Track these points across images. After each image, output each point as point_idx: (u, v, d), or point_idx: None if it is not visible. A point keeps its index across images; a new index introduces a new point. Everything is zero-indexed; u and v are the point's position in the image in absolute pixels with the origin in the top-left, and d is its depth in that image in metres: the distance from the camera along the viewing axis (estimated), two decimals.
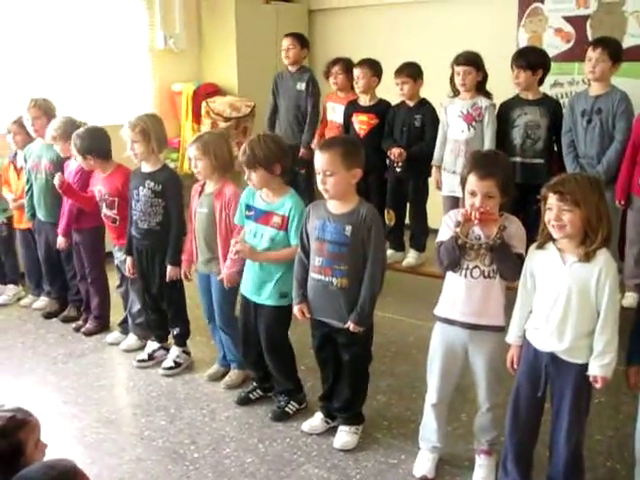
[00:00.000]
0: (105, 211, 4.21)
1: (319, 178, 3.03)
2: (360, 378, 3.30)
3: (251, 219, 3.43)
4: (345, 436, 3.30)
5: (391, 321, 4.65)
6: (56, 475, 1.89)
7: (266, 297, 3.41)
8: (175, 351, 4.12)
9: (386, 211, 4.99)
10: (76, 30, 5.85)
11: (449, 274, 2.89)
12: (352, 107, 5.11)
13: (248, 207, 3.45)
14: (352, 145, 3.15)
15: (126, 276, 4.26)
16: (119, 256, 4.32)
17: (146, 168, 3.95)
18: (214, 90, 6.48)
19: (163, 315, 4.17)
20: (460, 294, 2.85)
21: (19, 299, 5.25)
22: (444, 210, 4.59)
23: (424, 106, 4.84)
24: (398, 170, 4.80)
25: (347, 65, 5.33)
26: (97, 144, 4.16)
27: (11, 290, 5.27)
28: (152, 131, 3.86)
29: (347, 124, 5.12)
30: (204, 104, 6.21)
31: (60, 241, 4.48)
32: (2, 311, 5.11)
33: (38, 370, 4.14)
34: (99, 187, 4.22)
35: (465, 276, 2.82)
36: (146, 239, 3.98)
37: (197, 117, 6.25)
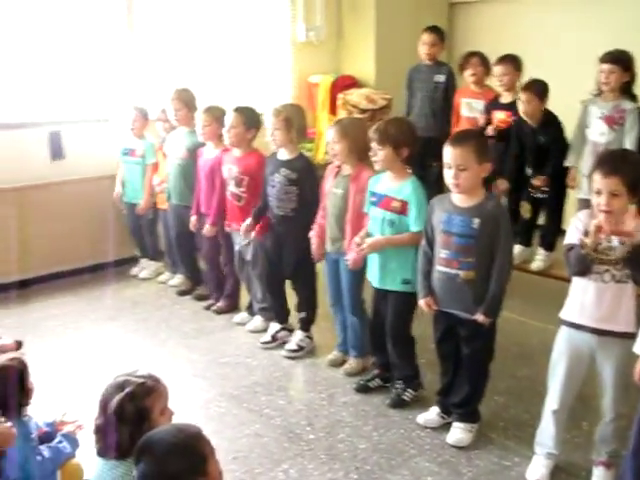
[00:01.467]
0: (232, 189, 4.36)
1: (450, 172, 3.04)
2: (479, 375, 3.29)
3: (374, 204, 3.49)
4: (459, 433, 3.30)
5: (515, 322, 4.56)
6: (183, 438, 2.03)
7: (390, 283, 3.47)
8: (299, 335, 4.25)
9: (522, 204, 4.91)
10: (223, 22, 6.13)
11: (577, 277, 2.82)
12: (492, 105, 5.05)
13: (372, 193, 3.52)
14: (483, 139, 3.16)
15: (247, 261, 4.42)
16: (239, 241, 4.50)
17: (283, 155, 4.08)
18: (351, 82, 6.57)
19: (284, 299, 4.32)
20: (589, 298, 2.77)
21: (159, 274, 5.57)
22: None
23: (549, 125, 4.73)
24: (543, 196, 4.73)
25: (483, 59, 5.27)
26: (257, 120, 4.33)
27: (152, 266, 5.61)
28: (294, 120, 3.99)
29: (487, 121, 5.06)
30: (340, 96, 6.32)
31: (210, 230, 4.64)
32: (142, 285, 5.47)
33: (170, 342, 4.41)
34: (229, 165, 4.38)
35: (595, 280, 2.74)
36: (280, 225, 4.12)
37: (333, 108, 6.37)
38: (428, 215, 3.22)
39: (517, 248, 5.29)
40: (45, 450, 2.86)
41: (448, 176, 3.06)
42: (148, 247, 5.64)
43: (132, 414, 2.36)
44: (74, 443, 3.00)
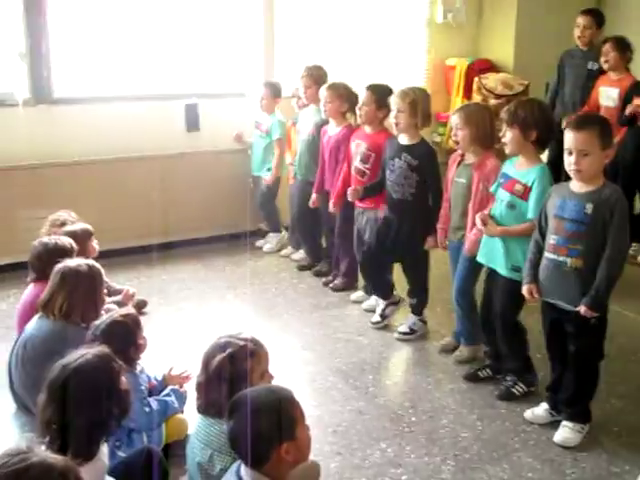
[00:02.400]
0: (357, 164, 4.34)
1: (571, 158, 2.90)
2: (587, 373, 3.14)
3: (501, 185, 3.39)
4: (568, 432, 3.16)
5: (636, 323, 4.28)
6: (275, 399, 2.08)
7: (500, 267, 3.37)
8: (412, 319, 4.22)
9: (638, 195, 4.61)
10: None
11: None
12: (633, 90, 4.76)
13: (502, 174, 3.41)
14: (607, 123, 2.99)
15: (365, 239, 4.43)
16: (359, 219, 4.48)
17: (404, 140, 4.03)
18: (488, 66, 6.39)
19: (386, 277, 4.33)
20: None
21: (281, 248, 5.69)
22: None
23: None
24: None
25: (618, 43, 4.96)
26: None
27: (274, 238, 5.74)
28: (420, 105, 3.93)
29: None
30: (476, 80, 6.16)
31: (332, 206, 4.67)
32: (265, 258, 5.61)
33: (284, 315, 4.50)
34: (358, 141, 4.37)
35: None
36: (396, 209, 4.09)
37: (468, 92, 6.23)
38: (544, 202, 3.08)
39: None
40: (153, 402, 3.01)
41: (568, 162, 2.92)
42: (273, 221, 5.75)
43: (231, 375, 2.44)
44: (181, 398, 3.14)
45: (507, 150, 3.36)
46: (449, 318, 4.20)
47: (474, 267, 3.69)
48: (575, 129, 2.91)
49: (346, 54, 5.97)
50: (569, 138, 2.92)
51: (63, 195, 4.91)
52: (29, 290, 3.73)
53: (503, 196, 3.35)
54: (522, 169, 3.31)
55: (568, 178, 3.04)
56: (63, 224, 4.10)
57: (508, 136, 3.29)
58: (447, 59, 6.51)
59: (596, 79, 5.21)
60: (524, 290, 3.14)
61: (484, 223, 3.35)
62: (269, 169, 5.48)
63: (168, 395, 3.11)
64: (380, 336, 4.22)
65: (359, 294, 4.74)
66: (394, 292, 4.39)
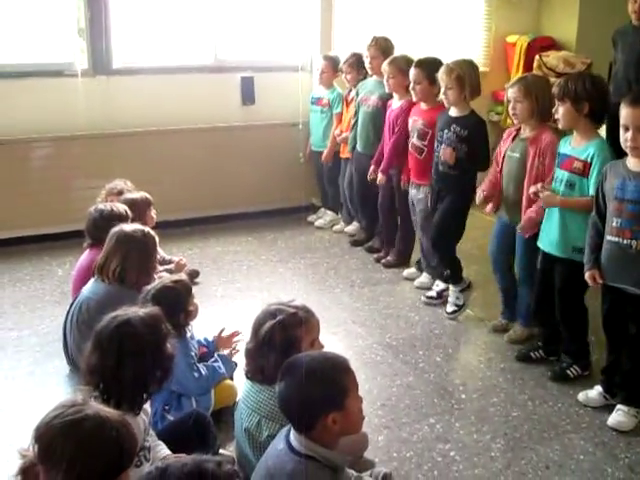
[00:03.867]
0: (414, 141, 4.29)
1: (628, 135, 2.81)
2: None
3: (558, 165, 3.30)
4: (622, 416, 3.08)
5: None
6: (330, 366, 2.06)
7: (561, 250, 3.28)
8: (453, 292, 4.16)
9: None
10: None
11: None
12: None
13: (559, 154, 3.31)
14: None
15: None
16: (414, 194, 4.43)
17: (453, 112, 3.97)
18: (549, 44, 6.20)
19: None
20: None
21: (333, 225, 5.67)
22: None
23: None
24: None
25: None
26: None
27: (329, 216, 5.72)
28: (467, 79, 3.85)
29: None
30: (537, 57, 5.99)
31: (380, 178, 4.66)
32: (316, 233, 5.60)
33: (336, 289, 4.49)
34: (415, 117, 4.31)
35: None
36: (442, 181, 4.04)
37: (528, 70, 6.03)
38: (600, 182, 2.99)
39: None
40: (202, 368, 3.04)
41: (624, 138, 2.83)
42: (328, 196, 5.73)
43: (281, 342, 2.43)
44: (229, 364, 3.16)
45: (560, 125, 3.28)
46: (499, 298, 4.14)
47: (533, 246, 3.59)
48: (631, 105, 2.81)
49: (405, 29, 5.86)
50: (625, 113, 2.82)
51: (119, 165, 4.99)
52: (84, 256, 3.80)
53: (562, 176, 3.25)
54: (579, 146, 3.22)
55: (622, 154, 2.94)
56: (120, 193, 4.16)
57: (560, 111, 3.21)
58: (507, 36, 6.35)
59: None
60: (587, 276, 3.05)
61: (537, 194, 3.27)
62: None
63: (216, 361, 3.14)
64: (431, 313, 4.18)
65: (411, 271, 4.71)
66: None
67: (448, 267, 4.16)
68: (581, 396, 3.27)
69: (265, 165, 5.68)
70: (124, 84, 5.21)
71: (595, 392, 3.25)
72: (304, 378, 2.03)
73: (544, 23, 6.43)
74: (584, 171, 3.14)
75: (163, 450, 2.50)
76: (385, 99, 4.77)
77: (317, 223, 5.72)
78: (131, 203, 3.94)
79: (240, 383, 3.10)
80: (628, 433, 3.04)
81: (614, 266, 2.96)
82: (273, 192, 5.73)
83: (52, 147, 5.04)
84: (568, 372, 3.45)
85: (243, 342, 3.20)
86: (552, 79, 5.66)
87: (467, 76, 3.85)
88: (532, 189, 3.33)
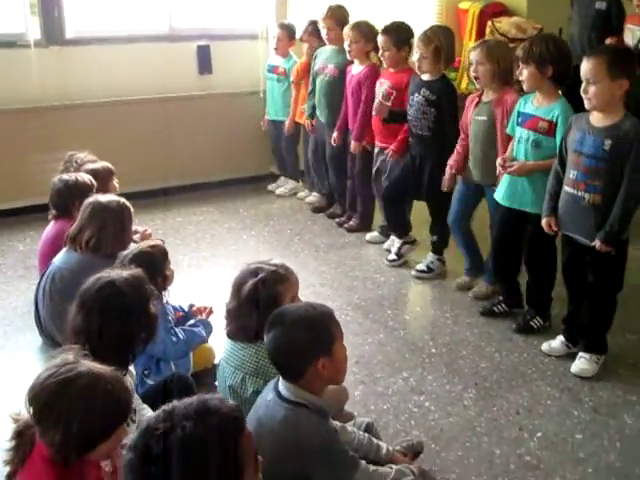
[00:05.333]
0: (381, 101, 4.30)
1: (582, 87, 2.92)
2: (604, 304, 3.19)
3: (519, 124, 3.39)
4: (584, 363, 3.24)
5: None
6: (316, 314, 2.12)
7: (531, 206, 3.38)
8: (430, 257, 4.26)
9: None
10: None
11: None
12: None
13: (519, 113, 3.41)
14: (622, 54, 3.00)
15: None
16: (380, 159, 4.48)
17: (425, 76, 4.03)
18: (501, 10, 6.30)
19: (404, 215, 4.38)
20: None
21: (295, 193, 5.70)
22: None
23: None
24: None
25: None
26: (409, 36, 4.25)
27: (290, 185, 5.75)
28: (444, 50, 3.91)
29: None
30: (489, 23, 6.09)
31: (354, 146, 4.67)
32: (277, 201, 5.63)
33: (301, 254, 4.55)
34: (382, 79, 4.34)
35: None
36: (418, 145, 4.11)
37: (481, 37, 6.11)
38: (565, 133, 3.10)
39: None
40: (180, 332, 3.07)
41: (581, 90, 2.95)
42: (287, 165, 5.75)
43: (264, 299, 2.47)
44: (208, 328, 3.20)
45: (525, 87, 3.37)
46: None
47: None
48: (585, 58, 2.94)
49: None
50: (582, 66, 2.94)
51: (75, 137, 4.87)
52: (50, 227, 3.77)
53: (526, 135, 3.35)
54: (542, 106, 3.32)
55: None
56: (81, 165, 4.11)
57: (525, 73, 3.29)
58: (460, 2, 6.43)
59: (606, 19, 5.14)
60: (543, 222, 3.18)
61: (504, 167, 3.37)
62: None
63: (195, 325, 3.17)
64: (397, 274, 4.28)
65: (374, 234, 4.79)
66: (410, 232, 4.43)
67: (437, 234, 4.24)
68: (545, 346, 3.41)
69: (224, 134, 5.66)
70: (78, 54, 5.12)
71: (558, 342, 3.40)
72: (294, 325, 2.09)
73: None
74: (549, 130, 3.25)
75: (148, 412, 2.52)
76: (342, 67, 4.80)
77: (278, 191, 5.74)
78: (93, 173, 3.90)
79: (217, 345, 3.17)
80: (590, 379, 3.19)
81: (569, 216, 3.09)
82: (233, 161, 5.74)
83: (6, 120, 4.92)
84: (532, 324, 3.59)
85: (214, 310, 3.30)
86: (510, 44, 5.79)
87: (444, 46, 3.90)
88: (498, 164, 3.42)
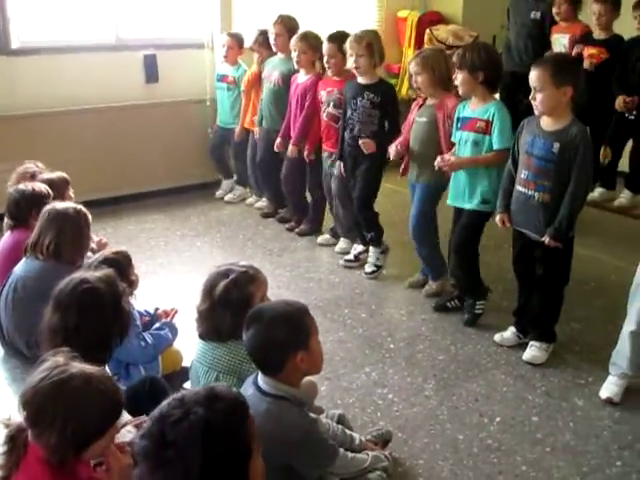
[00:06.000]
0: (330, 110, 4.44)
1: (531, 94, 3.12)
2: (553, 296, 3.39)
3: (459, 129, 3.59)
4: (535, 351, 3.43)
5: (593, 260, 4.58)
6: (292, 310, 2.23)
7: (468, 202, 3.59)
8: (373, 253, 4.40)
9: (603, 147, 4.89)
10: None
11: None
12: (583, 39, 5.01)
13: (458, 119, 3.61)
14: (565, 63, 3.22)
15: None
16: (329, 164, 4.60)
17: (364, 80, 4.17)
18: (438, 18, 6.55)
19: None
20: None
21: (243, 199, 5.78)
22: None
23: None
24: (631, 117, 4.72)
25: None
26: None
27: (238, 191, 5.82)
28: (376, 45, 4.08)
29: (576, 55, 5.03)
30: (428, 31, 6.33)
31: (291, 149, 4.80)
32: (227, 207, 5.70)
33: (256, 258, 4.61)
34: (329, 88, 4.47)
35: None
36: (356, 148, 4.22)
37: (419, 44, 6.37)
38: (517, 135, 3.30)
39: (599, 190, 5.30)
40: (148, 336, 3.12)
41: (531, 98, 3.15)
42: (231, 171, 5.82)
43: (236, 299, 2.55)
44: (174, 331, 3.25)
45: (460, 92, 3.58)
46: (412, 259, 4.41)
47: (431, 204, 3.94)
48: (532, 67, 3.15)
49: (300, 5, 5.99)
50: (530, 75, 3.13)
51: (23, 147, 4.84)
52: (6, 237, 3.76)
53: (466, 137, 3.54)
54: (478, 108, 3.53)
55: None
56: (33, 175, 4.09)
57: (459, 78, 3.51)
58: (399, 11, 6.64)
59: (540, 28, 5.41)
60: (497, 219, 3.38)
61: (445, 164, 3.55)
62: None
63: (161, 329, 3.21)
64: (350, 275, 4.42)
65: (325, 237, 4.91)
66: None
67: (372, 230, 4.36)
68: (497, 337, 3.60)
69: (171, 143, 5.69)
70: (24, 64, 5.08)
71: (509, 332, 3.58)
72: (272, 322, 2.18)
73: None
74: (486, 129, 3.46)
75: (124, 415, 2.58)
76: (286, 76, 4.92)
77: (227, 198, 5.81)
78: (49, 183, 3.90)
79: (183, 348, 3.23)
80: (541, 365, 3.39)
81: (520, 213, 3.29)
82: (181, 169, 5.78)
83: None
84: (476, 311, 3.78)
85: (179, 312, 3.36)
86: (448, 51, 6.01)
87: (375, 43, 4.07)
88: (436, 165, 3.60)
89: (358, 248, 4.55)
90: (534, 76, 3.08)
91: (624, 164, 5.19)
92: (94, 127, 5.33)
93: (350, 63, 4.14)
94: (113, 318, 2.45)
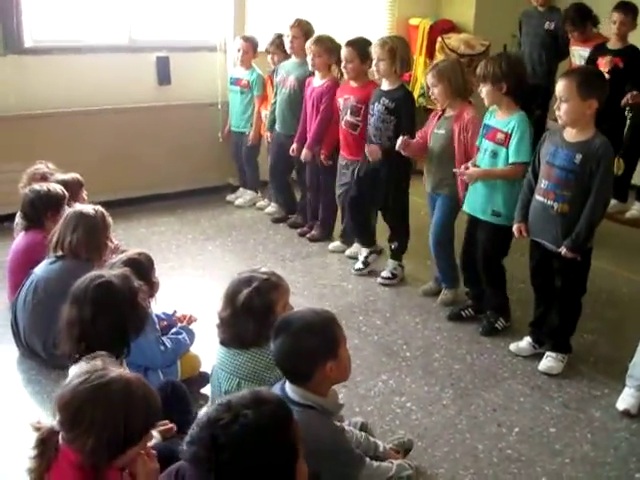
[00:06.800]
0: (348, 118, 4.43)
1: (556, 104, 3.14)
2: (571, 306, 3.40)
3: (484, 136, 3.59)
4: (551, 361, 3.43)
5: (604, 272, 4.56)
6: (320, 319, 2.23)
7: (482, 213, 3.60)
8: (391, 264, 4.41)
9: (616, 159, 4.89)
10: None
11: None
12: (597, 50, 5.04)
13: (484, 126, 3.62)
14: (593, 76, 3.23)
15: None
16: (346, 170, 4.58)
17: (384, 86, 4.19)
18: (450, 27, 6.57)
19: (369, 225, 4.51)
20: None
21: (254, 204, 5.76)
22: None
23: None
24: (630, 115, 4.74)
25: (578, 15, 5.20)
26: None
27: (249, 195, 5.80)
28: (399, 52, 4.08)
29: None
30: (439, 39, 6.34)
31: (305, 153, 4.79)
32: (237, 212, 5.69)
33: (268, 263, 4.59)
34: (347, 95, 4.46)
35: None
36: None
37: (431, 52, 6.39)
38: (539, 146, 3.30)
39: (611, 201, 5.31)
40: (167, 341, 3.12)
41: (555, 108, 3.16)
42: (247, 177, 5.81)
43: (259, 306, 2.56)
44: (191, 335, 3.25)
45: (486, 103, 3.58)
46: (425, 265, 4.44)
47: (452, 215, 3.94)
48: (560, 78, 3.17)
49: (313, 12, 5.99)
50: (557, 85, 3.16)
51: (35, 148, 4.85)
52: (20, 239, 3.76)
53: (487, 146, 3.55)
54: (502, 118, 3.53)
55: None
56: (44, 176, 4.09)
57: (483, 91, 3.51)
58: (410, 19, 6.65)
59: (555, 39, 5.43)
60: (514, 228, 3.38)
61: (463, 174, 3.56)
62: (252, 124, 5.51)
63: (179, 333, 3.22)
64: (363, 281, 4.41)
65: (337, 244, 4.91)
66: (376, 241, 4.58)
67: (397, 240, 4.37)
68: (512, 347, 3.60)
69: (182, 145, 5.69)
70: (37, 64, 5.08)
71: (525, 342, 3.59)
72: (300, 331, 2.18)
73: (444, 7, 6.79)
74: (505, 141, 3.47)
75: None
76: (302, 80, 4.91)
77: (237, 202, 5.80)
78: (63, 184, 3.90)
79: (202, 353, 3.22)
80: (557, 376, 3.39)
81: (538, 223, 3.30)
82: (192, 172, 5.77)
83: None
84: (496, 326, 3.78)
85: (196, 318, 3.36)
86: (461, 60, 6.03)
87: (399, 49, 4.07)
88: (455, 170, 3.61)
89: (364, 252, 4.55)
90: (561, 86, 3.09)
91: (636, 177, 5.22)
92: (105, 128, 5.33)
93: (372, 66, 4.15)
94: (129, 312, 2.48)
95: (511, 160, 3.45)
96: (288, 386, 2.23)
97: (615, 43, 4.99)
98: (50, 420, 1.97)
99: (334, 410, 2.25)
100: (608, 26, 5.14)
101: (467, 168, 3.58)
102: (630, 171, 5.04)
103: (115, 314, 2.45)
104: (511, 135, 3.45)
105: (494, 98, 3.51)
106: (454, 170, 3.64)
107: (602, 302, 4.22)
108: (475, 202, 3.64)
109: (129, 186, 5.51)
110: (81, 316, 2.42)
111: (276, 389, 2.28)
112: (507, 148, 3.47)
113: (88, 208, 3.39)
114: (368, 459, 2.32)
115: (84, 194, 4.09)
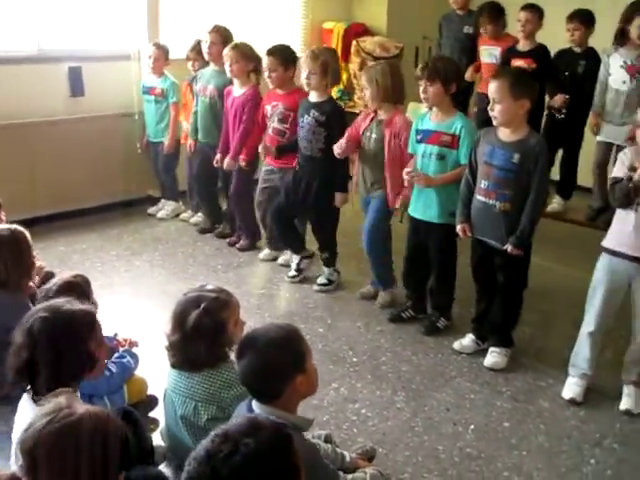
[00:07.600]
0: (275, 125, 4.39)
1: (490, 105, 3.19)
2: (513, 301, 3.48)
3: (420, 142, 3.60)
4: (496, 357, 3.49)
5: (531, 265, 4.71)
6: (285, 334, 2.16)
7: (436, 216, 3.60)
8: (327, 270, 4.39)
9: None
10: None
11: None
12: (509, 52, 5.17)
13: (417, 132, 3.62)
14: (523, 76, 3.31)
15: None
16: (274, 178, 4.54)
17: (313, 98, 4.15)
18: (363, 29, 6.62)
19: (297, 232, 4.47)
20: (629, 228, 2.95)
21: (177, 215, 5.62)
22: (596, 155, 4.70)
23: (590, 54, 4.91)
24: (561, 117, 4.90)
25: (494, 9, 5.33)
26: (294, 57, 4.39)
27: (170, 207, 5.64)
28: (331, 66, 4.06)
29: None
30: (354, 43, 6.38)
31: (228, 163, 4.72)
32: (161, 224, 5.52)
33: (200, 276, 4.50)
34: (274, 102, 4.40)
35: (636, 210, 2.91)
36: (307, 166, 4.21)
37: (346, 55, 6.42)
38: (474, 146, 3.35)
39: None
40: (112, 365, 2.97)
41: (489, 109, 3.21)
42: (166, 187, 5.66)
43: (210, 328, 2.47)
44: (135, 358, 3.12)
45: (429, 104, 3.58)
46: (359, 269, 4.45)
47: (384, 217, 3.96)
48: (491, 78, 3.23)
49: (226, 17, 5.89)
50: (489, 86, 3.22)
51: None
52: None
53: (430, 150, 3.55)
54: (443, 122, 3.54)
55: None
56: None
57: (430, 91, 3.50)
58: (324, 22, 6.66)
59: (473, 42, 5.53)
60: (458, 229, 3.42)
61: (419, 179, 3.54)
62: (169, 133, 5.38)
63: (122, 357, 3.08)
64: (299, 289, 4.37)
65: (266, 252, 4.84)
66: (305, 246, 4.54)
67: (327, 249, 4.37)
68: (456, 345, 3.64)
69: (100, 158, 5.47)
70: None
71: (468, 340, 3.64)
72: (267, 348, 2.11)
73: (356, 11, 6.82)
74: (452, 143, 3.48)
75: None
76: (221, 88, 4.83)
77: (159, 214, 5.62)
78: None
79: (148, 375, 3.10)
80: (503, 371, 3.46)
81: (481, 222, 3.35)
82: (111, 186, 5.56)
83: None
84: (438, 325, 3.82)
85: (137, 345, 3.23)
86: (370, 63, 6.06)
87: (331, 63, 4.05)
88: (405, 176, 3.58)
89: (295, 259, 4.50)
90: (493, 88, 3.15)
91: (555, 172, 5.40)
92: (16, 144, 5.04)
93: (302, 78, 4.10)
94: (86, 337, 2.32)
95: (463, 161, 3.47)
96: (256, 405, 2.16)
97: (524, 44, 5.14)
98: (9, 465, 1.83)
99: (304, 426, 2.19)
100: (515, 28, 5.30)
101: (409, 173, 3.55)
102: (549, 166, 5.22)
103: (73, 348, 2.26)
104: (459, 137, 3.47)
105: (441, 99, 3.52)
106: (404, 177, 3.59)
107: (536, 294, 4.32)
108: (426, 207, 3.63)
109: (44, 203, 5.25)
110: (32, 352, 2.22)
111: (242, 410, 2.21)
112: (456, 149, 3.49)
113: (2, 229, 3.16)
114: (342, 473, 2.27)
115: (2, 215, 3.86)
